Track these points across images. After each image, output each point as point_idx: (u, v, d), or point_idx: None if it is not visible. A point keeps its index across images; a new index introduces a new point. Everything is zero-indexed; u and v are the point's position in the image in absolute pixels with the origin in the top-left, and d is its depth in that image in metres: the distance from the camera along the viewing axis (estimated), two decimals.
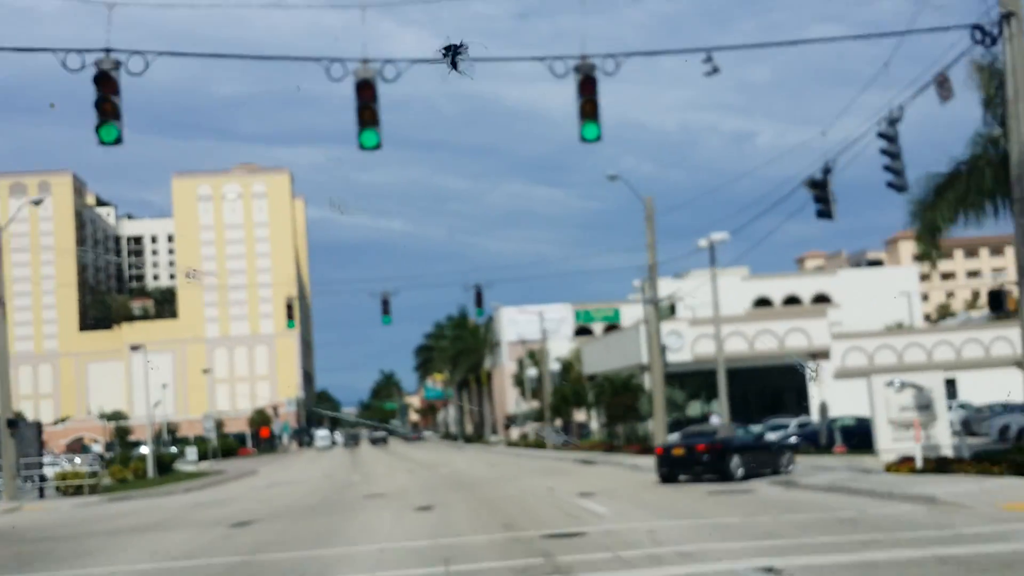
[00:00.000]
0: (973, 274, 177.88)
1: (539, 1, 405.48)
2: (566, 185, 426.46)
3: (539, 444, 73.29)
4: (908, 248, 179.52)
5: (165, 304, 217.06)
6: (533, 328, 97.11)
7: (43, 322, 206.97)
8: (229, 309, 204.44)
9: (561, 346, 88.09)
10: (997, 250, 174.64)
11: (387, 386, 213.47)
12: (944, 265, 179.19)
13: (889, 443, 33.76)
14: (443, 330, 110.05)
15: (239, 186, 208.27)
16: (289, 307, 48.13)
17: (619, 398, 54.19)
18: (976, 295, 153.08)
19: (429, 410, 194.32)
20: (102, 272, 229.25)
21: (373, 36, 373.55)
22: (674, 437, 38.31)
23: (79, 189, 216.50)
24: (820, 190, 27.89)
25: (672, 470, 31.24)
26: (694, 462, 30.57)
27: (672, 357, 52.44)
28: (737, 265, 72.27)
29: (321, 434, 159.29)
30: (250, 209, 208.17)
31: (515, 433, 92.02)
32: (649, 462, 35.60)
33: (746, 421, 55.22)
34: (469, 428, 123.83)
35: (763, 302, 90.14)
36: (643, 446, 51.18)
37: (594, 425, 70.34)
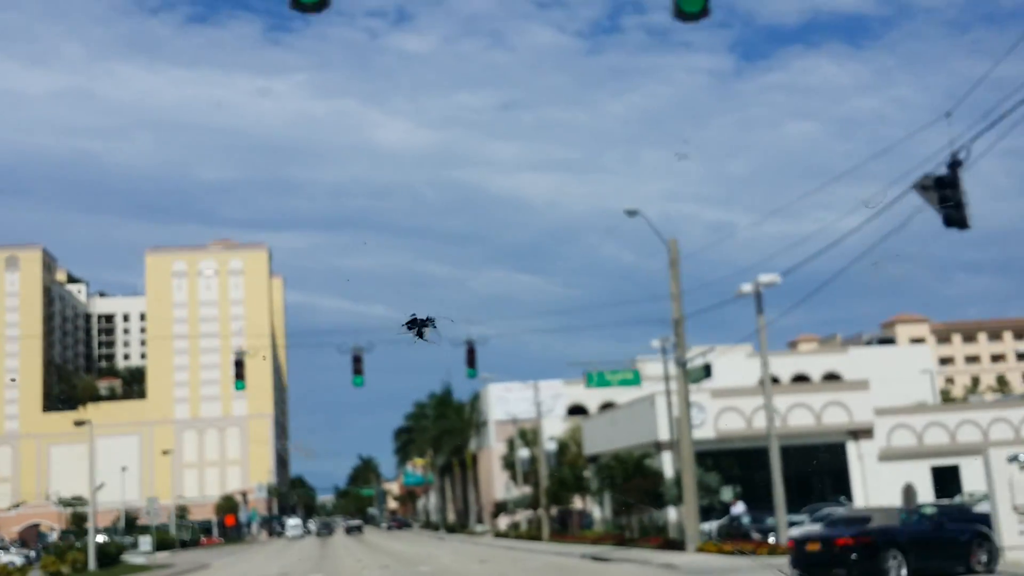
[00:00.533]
0: (997, 358, 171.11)
1: (522, 93, 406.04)
2: (548, 272, 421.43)
3: (533, 535, 64.36)
4: (907, 331, 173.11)
5: (134, 384, 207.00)
6: (524, 405, 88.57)
7: (5, 401, 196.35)
8: (200, 389, 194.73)
9: (554, 425, 79.66)
10: (1021, 334, 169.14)
11: (365, 471, 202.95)
12: (968, 348, 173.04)
13: (1015, 536, 25.64)
14: (424, 409, 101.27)
15: (215, 262, 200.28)
16: (239, 363, 40.21)
17: (633, 482, 45.86)
18: (1002, 379, 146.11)
19: (408, 497, 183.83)
20: (70, 351, 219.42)
21: (361, 124, 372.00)
22: (809, 527, 30.02)
23: (48, 265, 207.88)
24: (949, 189, 20.45)
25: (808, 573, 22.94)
26: (835, 561, 22.36)
27: (694, 433, 44.35)
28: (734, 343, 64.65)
29: (292, 523, 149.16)
30: (226, 286, 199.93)
31: (504, 522, 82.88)
32: (684, 560, 27.16)
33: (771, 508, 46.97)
34: (451, 516, 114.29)
35: (771, 380, 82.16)
36: (665, 539, 42.70)
37: (597, 514, 61.64)
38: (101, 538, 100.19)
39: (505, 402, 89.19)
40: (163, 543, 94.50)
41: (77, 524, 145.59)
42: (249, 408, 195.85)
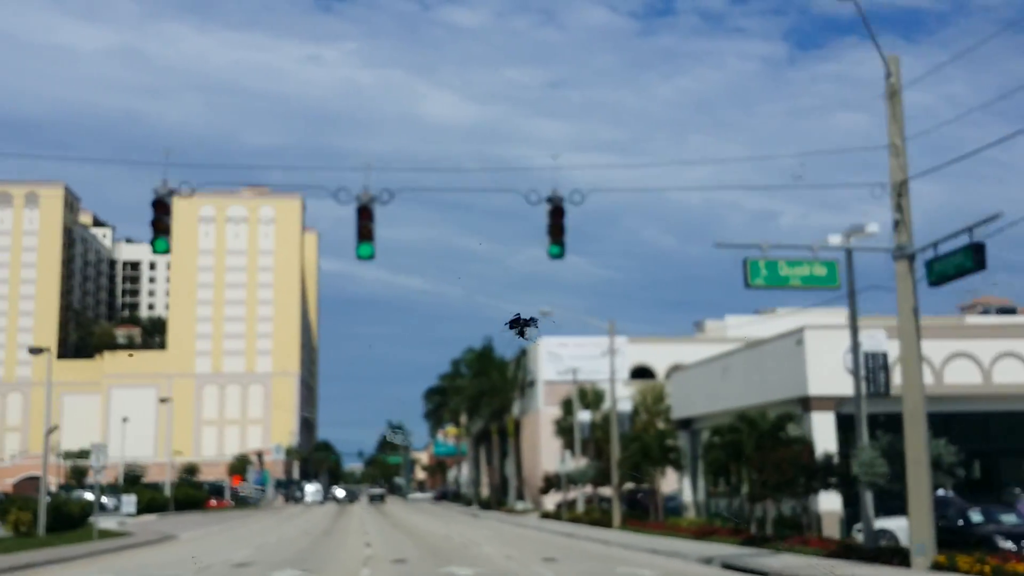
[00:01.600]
0: None
1: (571, 72, 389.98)
2: (587, 253, 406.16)
3: (596, 520, 48.78)
4: None
5: (155, 335, 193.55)
6: (580, 364, 73.03)
7: (17, 346, 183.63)
8: (223, 343, 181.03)
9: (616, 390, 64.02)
10: None
11: (396, 432, 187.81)
12: None
13: None
14: (461, 366, 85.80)
15: (245, 209, 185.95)
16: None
17: (773, 454, 30.27)
18: None
19: (438, 468, 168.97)
20: (91, 297, 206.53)
21: (408, 96, 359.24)
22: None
23: (71, 204, 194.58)
24: None
25: None
26: None
27: (866, 387, 28.65)
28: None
29: (311, 489, 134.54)
30: (255, 235, 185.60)
31: (551, 500, 67.44)
32: None
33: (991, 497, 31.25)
34: (485, 491, 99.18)
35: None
36: (842, 544, 27.16)
37: (688, 495, 45.88)
38: (89, 495, 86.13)
39: (557, 359, 73.54)
40: (158, 505, 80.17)
41: (77, 478, 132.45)
42: (274, 366, 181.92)
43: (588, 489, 56.63)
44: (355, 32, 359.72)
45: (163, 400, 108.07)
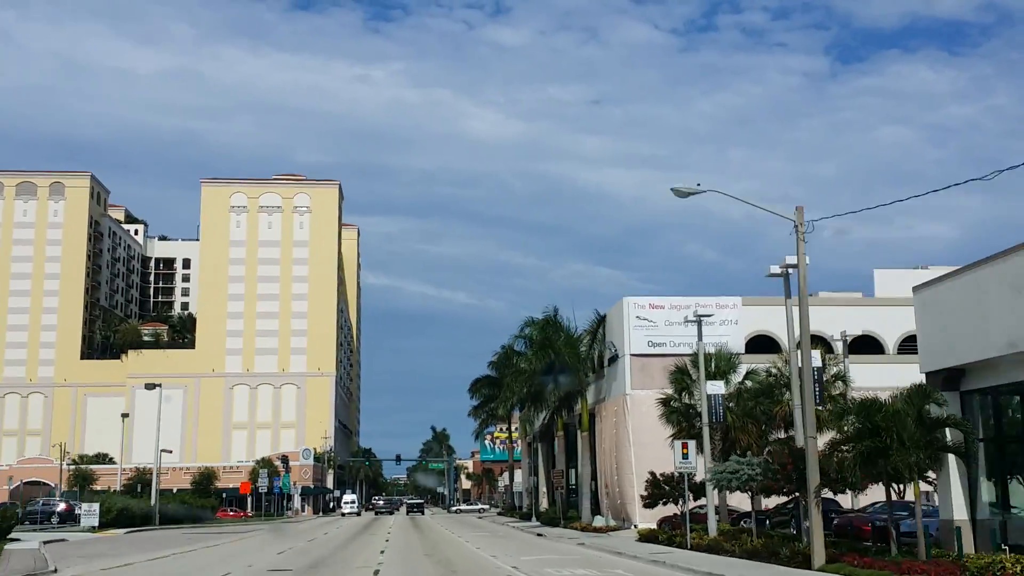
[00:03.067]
0: None
1: (613, 88, 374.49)
2: (628, 267, 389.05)
3: (774, 551, 28.82)
4: None
5: (184, 333, 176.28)
6: (678, 331, 53.41)
7: (40, 345, 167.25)
8: (255, 341, 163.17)
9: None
10: None
11: (438, 444, 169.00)
12: None
13: None
14: (517, 345, 66.27)
15: (279, 197, 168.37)
16: None
17: None
18: None
19: (485, 476, 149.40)
20: (120, 295, 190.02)
21: (453, 114, 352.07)
22: None
23: (98, 195, 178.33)
24: None
25: None
26: None
27: None
28: None
29: (348, 499, 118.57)
30: (290, 225, 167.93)
31: (652, 515, 47.80)
32: None
33: None
34: (544, 502, 79.62)
35: None
36: None
37: (959, 508, 25.84)
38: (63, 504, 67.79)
39: (651, 327, 53.95)
40: (129, 517, 61.45)
41: (81, 483, 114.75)
42: (308, 365, 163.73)
43: (693, 499, 37.05)
44: (402, 52, 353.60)
45: (124, 415, 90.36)
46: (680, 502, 38.51)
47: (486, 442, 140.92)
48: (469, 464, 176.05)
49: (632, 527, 51.94)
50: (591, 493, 58.74)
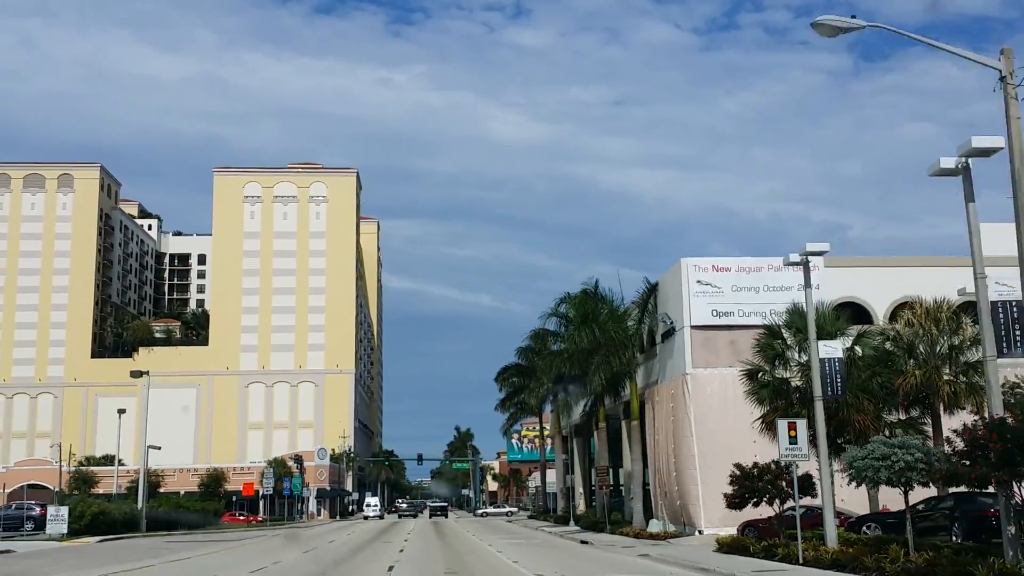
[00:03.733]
0: None
1: (635, 89, 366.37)
2: (654, 268, 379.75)
3: (919, 568, 19.70)
4: None
5: (198, 329, 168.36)
6: (749, 299, 44.30)
7: (50, 344, 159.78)
8: (271, 337, 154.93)
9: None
10: None
11: (462, 444, 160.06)
12: None
13: None
14: (551, 324, 57.13)
15: (294, 187, 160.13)
16: None
17: None
18: None
19: (512, 477, 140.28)
20: (133, 292, 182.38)
21: (476, 117, 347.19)
22: None
23: (109, 188, 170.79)
24: None
25: None
26: None
27: None
28: None
29: (372, 502, 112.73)
30: (306, 216, 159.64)
31: (722, 519, 38.63)
32: None
33: None
34: (580, 504, 70.53)
35: None
36: None
37: None
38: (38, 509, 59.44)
39: (714, 293, 44.73)
40: (108, 522, 52.82)
41: (80, 486, 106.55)
42: (327, 362, 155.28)
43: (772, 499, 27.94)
44: (425, 55, 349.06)
45: (120, 411, 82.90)
46: (777, 501, 29.24)
47: (513, 441, 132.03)
48: (495, 465, 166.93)
49: (695, 532, 42.76)
50: (645, 492, 49.48)
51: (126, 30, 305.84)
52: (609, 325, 48.49)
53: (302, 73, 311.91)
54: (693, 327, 44.61)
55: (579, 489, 73.81)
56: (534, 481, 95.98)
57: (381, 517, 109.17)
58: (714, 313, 44.56)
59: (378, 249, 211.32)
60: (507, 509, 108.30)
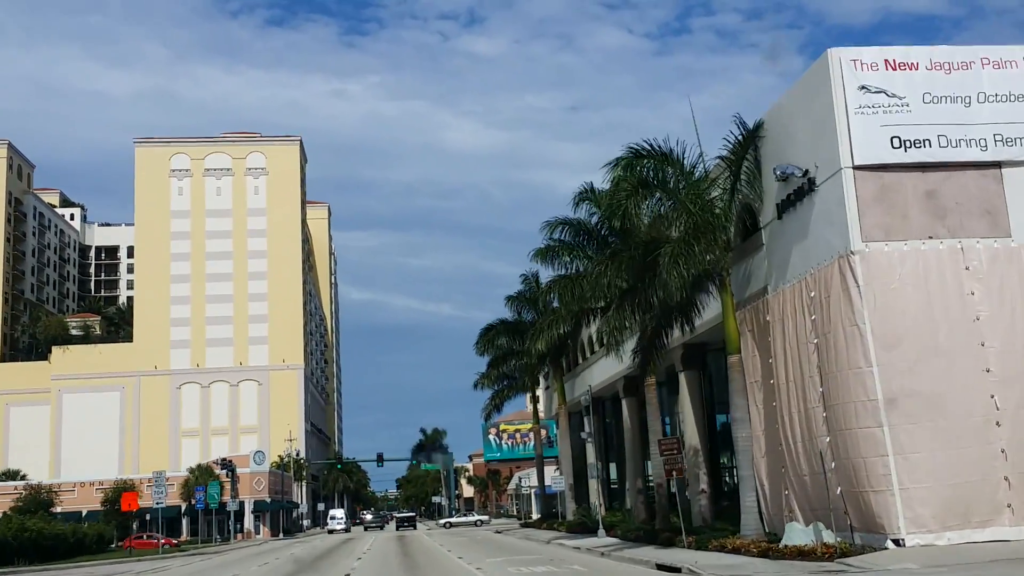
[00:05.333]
0: None
1: (590, 94, 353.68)
2: None
3: None
4: None
5: (122, 326, 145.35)
6: (956, 113, 23.79)
7: None
8: (206, 331, 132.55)
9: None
10: None
11: (430, 444, 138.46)
12: None
13: None
14: (567, 229, 36.25)
15: (228, 158, 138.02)
16: None
17: None
18: None
19: (491, 479, 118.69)
20: (50, 287, 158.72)
21: (432, 125, 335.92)
22: None
23: (19, 169, 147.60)
24: None
25: None
26: None
27: None
28: None
29: (337, 515, 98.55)
30: (243, 190, 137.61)
31: (958, 514, 17.81)
32: None
33: None
34: (600, 506, 49.66)
35: None
36: None
37: None
38: None
39: (892, 108, 23.89)
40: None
41: None
42: (271, 357, 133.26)
43: None
44: (378, 65, 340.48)
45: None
46: None
47: (491, 437, 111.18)
48: (470, 467, 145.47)
49: (886, 543, 22.12)
50: (756, 484, 28.31)
51: (75, 46, 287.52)
52: (686, 196, 27.71)
53: (255, 86, 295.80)
54: (858, 168, 23.94)
55: (596, 487, 52.92)
56: (526, 480, 74.09)
57: (347, 530, 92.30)
58: (896, 143, 24.01)
59: (330, 237, 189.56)
60: (476, 517, 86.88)
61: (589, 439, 44.91)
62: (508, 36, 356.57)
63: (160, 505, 49.98)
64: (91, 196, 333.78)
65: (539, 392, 64.42)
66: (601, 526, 41.53)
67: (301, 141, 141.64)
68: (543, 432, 68.57)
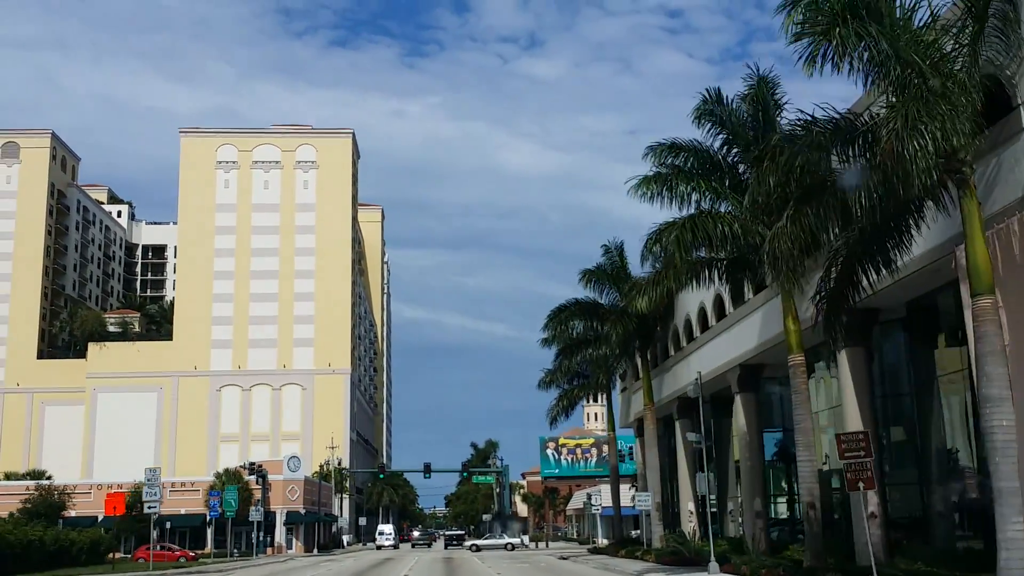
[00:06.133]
0: None
1: (648, 118, 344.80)
2: None
3: None
4: None
5: (164, 324, 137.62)
6: None
7: None
8: (248, 331, 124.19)
9: None
10: None
11: (481, 461, 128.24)
12: None
13: None
14: (706, 122, 26.03)
15: (277, 150, 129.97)
16: None
17: None
18: None
19: (547, 498, 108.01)
20: (94, 284, 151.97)
21: (490, 147, 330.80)
22: None
23: (63, 160, 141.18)
24: None
25: None
26: None
27: None
28: None
29: (384, 529, 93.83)
30: (292, 184, 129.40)
31: None
32: None
33: None
34: (693, 527, 39.17)
35: None
36: None
37: None
38: None
39: None
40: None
41: None
42: (316, 361, 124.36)
43: None
44: (438, 86, 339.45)
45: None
46: None
47: (548, 452, 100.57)
48: (524, 484, 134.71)
49: None
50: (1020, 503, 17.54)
51: (142, 63, 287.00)
52: (905, 45, 17.31)
53: (316, 105, 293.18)
54: None
55: (688, 505, 42.55)
56: (597, 498, 63.17)
57: (396, 547, 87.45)
58: None
59: (383, 241, 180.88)
60: (507, 540, 74.57)
61: (700, 443, 34.29)
62: (567, 59, 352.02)
63: (154, 511, 40.35)
64: (143, 201, 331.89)
65: (606, 399, 53.98)
66: (713, 558, 30.91)
67: (354, 135, 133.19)
68: (606, 446, 57.86)
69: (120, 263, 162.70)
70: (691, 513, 43.08)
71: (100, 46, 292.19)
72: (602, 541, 79.06)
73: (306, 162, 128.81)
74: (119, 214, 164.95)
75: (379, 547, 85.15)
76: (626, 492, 66.37)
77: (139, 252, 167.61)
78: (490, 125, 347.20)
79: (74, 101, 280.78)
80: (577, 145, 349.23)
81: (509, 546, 70.03)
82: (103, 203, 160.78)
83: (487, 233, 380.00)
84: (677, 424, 44.30)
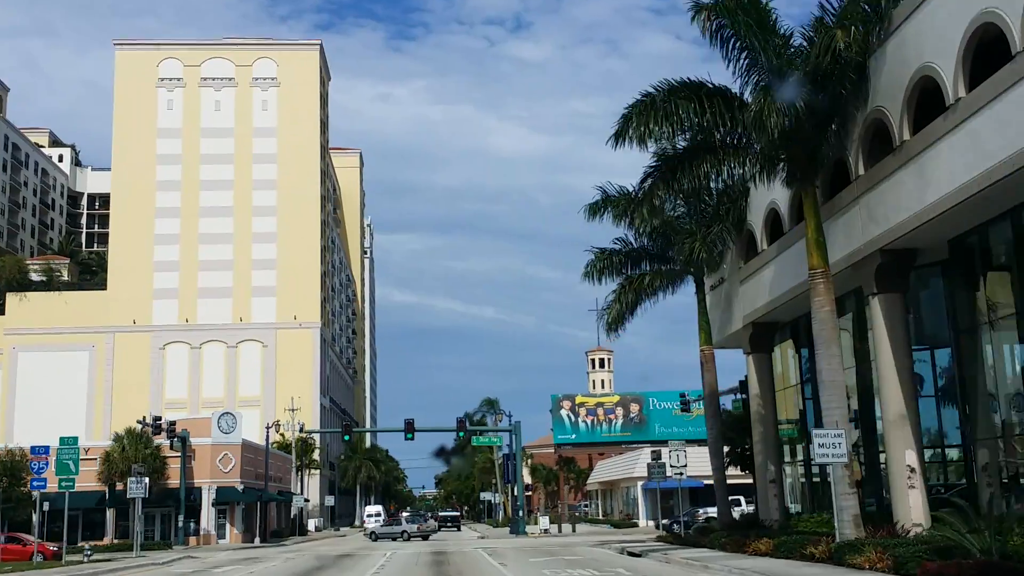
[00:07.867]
0: None
1: (634, 100, 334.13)
2: None
3: None
4: None
5: (98, 273, 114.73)
6: None
7: None
8: (198, 279, 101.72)
9: None
10: None
11: (480, 422, 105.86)
12: None
13: None
14: None
15: (231, 65, 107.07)
16: None
17: None
18: None
19: (562, 469, 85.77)
20: (26, 233, 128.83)
21: (477, 130, 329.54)
22: None
23: None
24: None
25: None
26: None
27: None
28: None
29: (372, 511, 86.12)
30: (248, 105, 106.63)
31: None
32: None
33: None
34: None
35: None
36: None
37: None
38: None
39: None
40: None
41: None
42: (279, 313, 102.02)
43: None
44: (424, 70, 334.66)
45: None
46: None
47: (563, 413, 78.92)
48: (531, 457, 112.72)
49: None
50: None
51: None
52: None
53: None
54: None
55: (908, 458, 20.05)
56: (671, 459, 41.21)
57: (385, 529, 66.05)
58: None
59: (362, 192, 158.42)
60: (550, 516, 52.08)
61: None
62: (554, 41, 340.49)
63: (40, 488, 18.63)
64: (94, 150, 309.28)
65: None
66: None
67: (322, 46, 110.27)
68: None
69: (62, 213, 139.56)
70: (911, 472, 21.39)
71: (83, 32, 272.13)
72: (646, 523, 57.59)
73: (265, 79, 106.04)
74: (60, 158, 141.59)
75: (372, 534, 60.19)
76: (695, 453, 44.88)
77: (84, 201, 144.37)
78: (477, 108, 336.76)
79: (61, 86, 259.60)
80: (565, 127, 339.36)
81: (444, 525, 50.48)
82: (43, 146, 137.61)
83: (475, 216, 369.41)
84: (874, 303, 22.38)
